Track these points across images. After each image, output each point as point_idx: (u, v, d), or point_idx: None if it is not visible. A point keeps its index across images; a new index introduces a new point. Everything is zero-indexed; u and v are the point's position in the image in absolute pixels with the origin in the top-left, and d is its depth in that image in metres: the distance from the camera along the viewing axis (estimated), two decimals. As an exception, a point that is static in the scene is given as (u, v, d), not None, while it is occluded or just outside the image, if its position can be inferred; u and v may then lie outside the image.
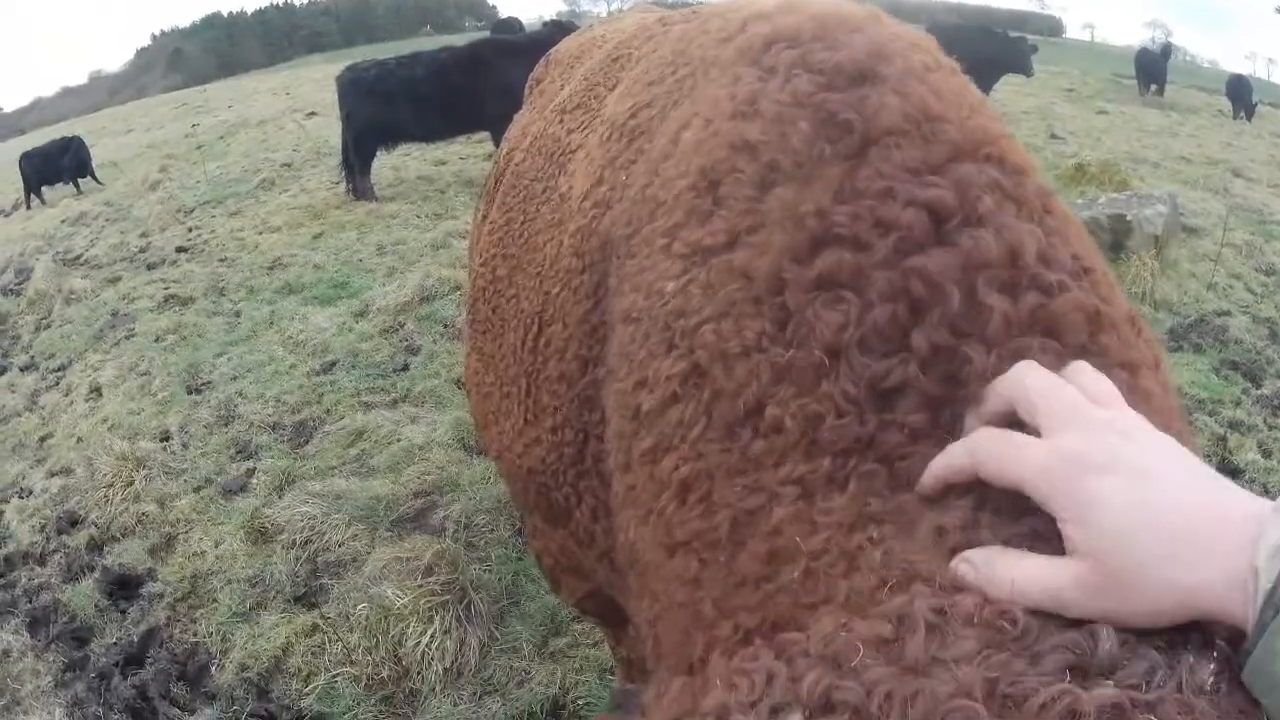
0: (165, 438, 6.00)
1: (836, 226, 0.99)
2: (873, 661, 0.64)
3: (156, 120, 29.06)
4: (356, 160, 11.73)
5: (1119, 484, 0.74)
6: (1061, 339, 0.92)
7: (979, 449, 0.82)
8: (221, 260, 9.84)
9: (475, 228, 2.50)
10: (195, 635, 4.19)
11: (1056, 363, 0.88)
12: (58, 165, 17.73)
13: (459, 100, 11.47)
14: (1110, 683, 0.61)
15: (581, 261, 1.50)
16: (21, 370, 8.14)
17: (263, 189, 13.11)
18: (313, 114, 20.09)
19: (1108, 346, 0.94)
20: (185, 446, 5.83)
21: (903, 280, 0.94)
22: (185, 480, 5.40)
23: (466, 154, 13.39)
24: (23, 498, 5.79)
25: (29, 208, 17.26)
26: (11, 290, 10.61)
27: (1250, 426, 5.30)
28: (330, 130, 14.77)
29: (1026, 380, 0.84)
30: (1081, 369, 0.87)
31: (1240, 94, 23.23)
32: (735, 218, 1.10)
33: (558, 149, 1.92)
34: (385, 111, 11.69)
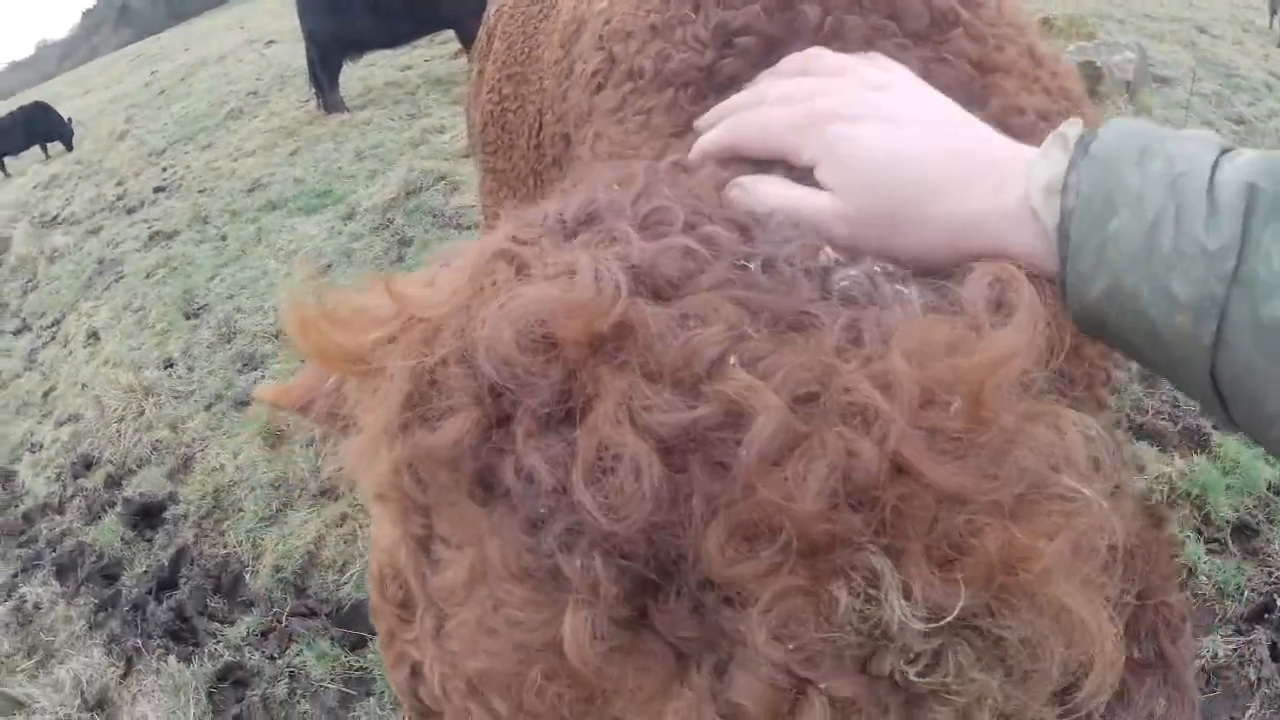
0: (169, 365, 5.95)
1: None
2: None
3: (113, 76, 28.70)
4: (324, 76, 11.55)
5: (871, 128, 0.79)
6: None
7: (734, 127, 0.88)
8: (200, 191, 9.70)
9: (472, 85, 2.63)
10: (225, 547, 4.16)
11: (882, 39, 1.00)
12: (15, 136, 17.64)
13: (418, 1, 11.25)
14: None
15: (564, 50, 1.61)
16: (14, 334, 8.09)
17: (231, 119, 12.87)
18: (271, 42, 19.73)
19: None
20: (190, 369, 5.79)
21: None
22: (195, 401, 5.35)
23: (432, 55, 13.13)
24: (34, 452, 5.76)
25: (-8, 182, 17.16)
26: (-10, 264, 10.50)
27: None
28: (292, 55, 14.59)
29: (771, 80, 0.94)
30: (820, 54, 0.93)
31: None
32: None
33: (549, -25, 2.11)
34: (345, 24, 11.49)
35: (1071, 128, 0.74)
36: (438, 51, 13.11)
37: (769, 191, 0.78)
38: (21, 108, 18.33)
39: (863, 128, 0.79)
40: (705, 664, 0.53)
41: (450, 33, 11.91)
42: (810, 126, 0.81)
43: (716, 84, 1.02)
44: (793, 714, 0.51)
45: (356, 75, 12.75)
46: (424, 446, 0.59)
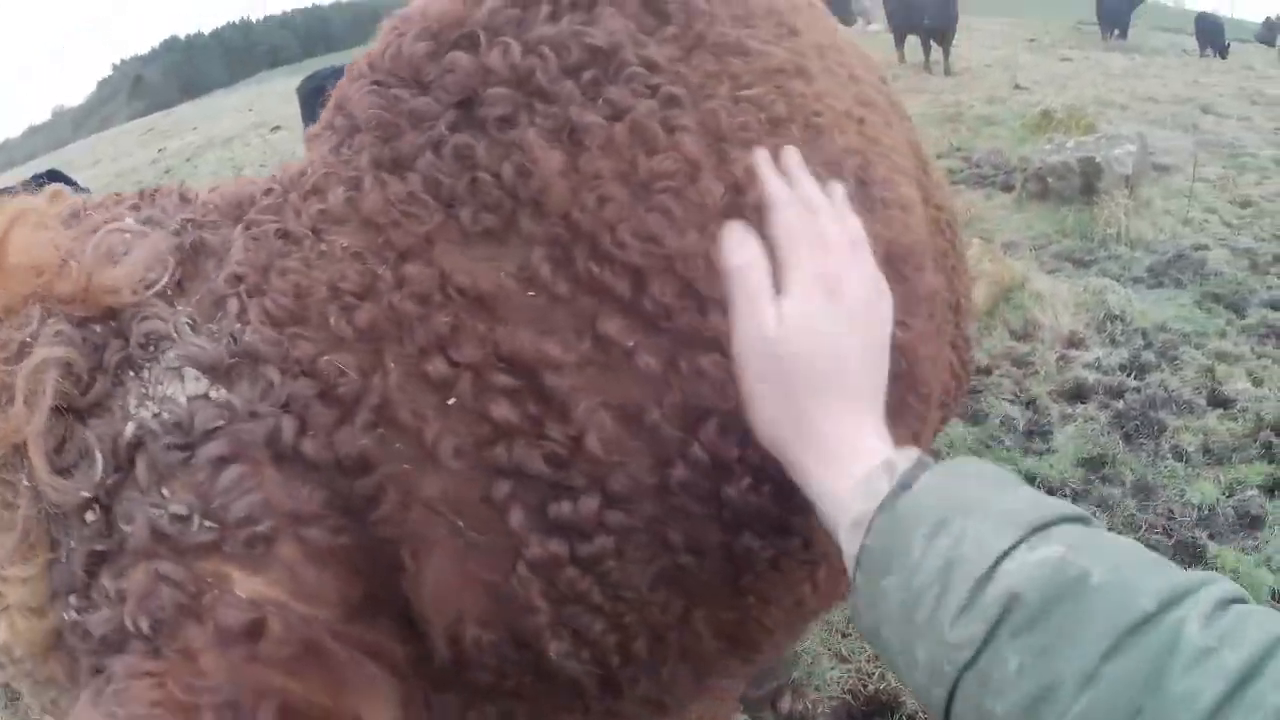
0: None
1: None
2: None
3: (123, 149, 30.07)
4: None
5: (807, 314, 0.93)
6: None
7: (790, 219, 0.99)
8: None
9: None
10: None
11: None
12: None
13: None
14: None
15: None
16: None
17: (233, 205, 13.63)
18: (277, 128, 20.90)
19: None
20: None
21: None
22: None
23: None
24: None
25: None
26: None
27: (1237, 356, 5.15)
28: (295, 143, 15.42)
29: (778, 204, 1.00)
30: (836, 190, 1.05)
31: (1209, 32, 22.27)
32: None
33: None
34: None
35: (904, 458, 0.84)
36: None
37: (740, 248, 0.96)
38: (35, 176, 19.25)
39: (811, 332, 0.93)
40: None
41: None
42: (802, 269, 0.95)
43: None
44: None
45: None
46: None
